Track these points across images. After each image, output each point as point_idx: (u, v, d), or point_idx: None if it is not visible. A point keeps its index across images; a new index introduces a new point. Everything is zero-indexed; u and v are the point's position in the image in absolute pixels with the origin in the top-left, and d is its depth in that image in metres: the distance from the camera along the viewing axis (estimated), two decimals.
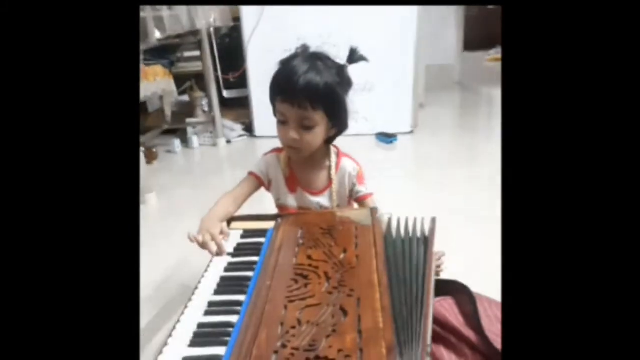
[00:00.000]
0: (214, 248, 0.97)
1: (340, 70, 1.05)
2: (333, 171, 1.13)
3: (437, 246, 0.92)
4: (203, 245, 0.97)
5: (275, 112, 1.07)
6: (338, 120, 1.07)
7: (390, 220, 0.99)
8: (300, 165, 1.14)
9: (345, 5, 2.70)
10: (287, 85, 1.00)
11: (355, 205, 1.19)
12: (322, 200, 1.14)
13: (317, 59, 1.03)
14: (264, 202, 1.27)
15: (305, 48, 1.07)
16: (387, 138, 2.79)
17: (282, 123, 1.05)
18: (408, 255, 0.86)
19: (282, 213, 1.16)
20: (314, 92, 0.99)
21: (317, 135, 1.05)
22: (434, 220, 0.94)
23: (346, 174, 1.14)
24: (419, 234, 0.93)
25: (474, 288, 0.91)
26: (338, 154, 1.15)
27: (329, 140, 1.12)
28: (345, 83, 1.06)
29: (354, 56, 1.07)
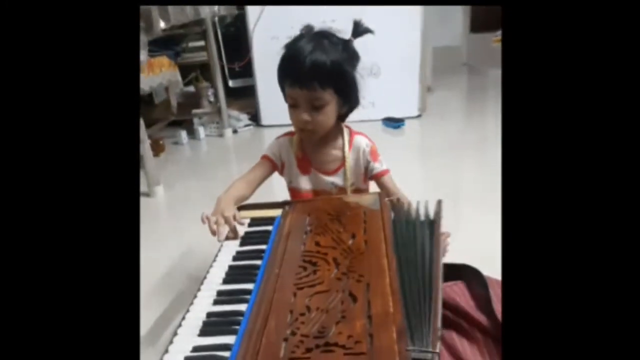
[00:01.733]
0: (224, 233, 0.96)
1: (346, 45, 1.03)
2: (346, 148, 1.12)
3: (446, 229, 0.91)
4: (213, 227, 0.96)
5: (285, 97, 1.07)
6: (348, 97, 1.06)
7: (394, 203, 0.98)
8: (313, 146, 1.13)
9: None
10: (293, 68, 1.00)
11: (372, 185, 1.17)
12: (336, 179, 1.13)
13: (322, 37, 1.02)
14: (274, 191, 1.26)
15: (309, 28, 1.06)
16: (394, 123, 2.77)
17: (293, 106, 1.04)
18: (413, 239, 0.85)
19: (294, 198, 1.16)
20: (321, 71, 0.98)
21: (329, 114, 1.04)
22: (439, 203, 0.93)
23: (360, 150, 1.12)
24: (422, 217, 0.92)
25: (483, 271, 0.91)
26: (350, 132, 1.15)
27: (341, 118, 1.11)
28: (352, 57, 1.04)
29: (359, 29, 1.06)
